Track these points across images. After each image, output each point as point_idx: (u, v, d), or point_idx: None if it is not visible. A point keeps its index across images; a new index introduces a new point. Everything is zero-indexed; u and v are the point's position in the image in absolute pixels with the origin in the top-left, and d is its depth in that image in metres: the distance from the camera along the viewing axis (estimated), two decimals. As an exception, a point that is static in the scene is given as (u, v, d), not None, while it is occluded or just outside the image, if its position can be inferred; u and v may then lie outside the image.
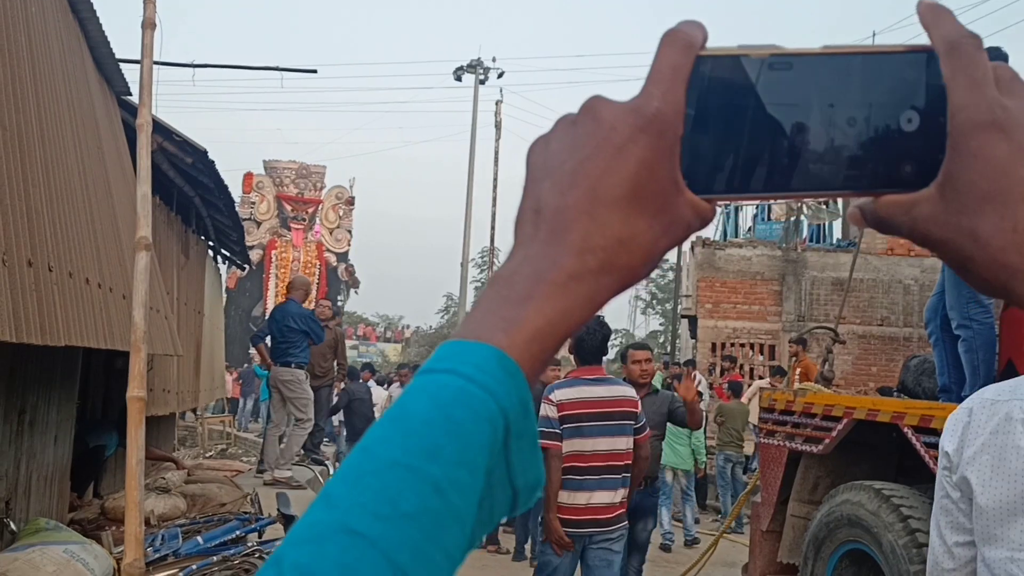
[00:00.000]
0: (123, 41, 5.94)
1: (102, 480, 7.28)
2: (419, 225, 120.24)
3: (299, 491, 7.61)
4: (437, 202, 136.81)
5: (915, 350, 13.09)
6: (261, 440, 10.87)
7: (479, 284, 35.89)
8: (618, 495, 4.18)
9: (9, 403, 4.69)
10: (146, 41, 4.14)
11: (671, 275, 32.75)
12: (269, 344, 8.98)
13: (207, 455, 12.22)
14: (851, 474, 4.45)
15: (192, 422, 14.50)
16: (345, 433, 12.56)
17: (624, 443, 4.19)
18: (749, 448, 9.88)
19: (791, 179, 0.42)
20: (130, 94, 6.53)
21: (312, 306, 10.15)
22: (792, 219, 16.87)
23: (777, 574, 4.91)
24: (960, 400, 2.27)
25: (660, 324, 47.09)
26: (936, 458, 1.48)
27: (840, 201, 16.66)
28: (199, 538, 5.22)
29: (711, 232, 17.15)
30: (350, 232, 31.05)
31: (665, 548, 8.20)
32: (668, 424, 5.53)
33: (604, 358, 4.47)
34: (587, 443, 4.08)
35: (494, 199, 26.66)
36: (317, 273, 28.74)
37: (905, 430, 3.88)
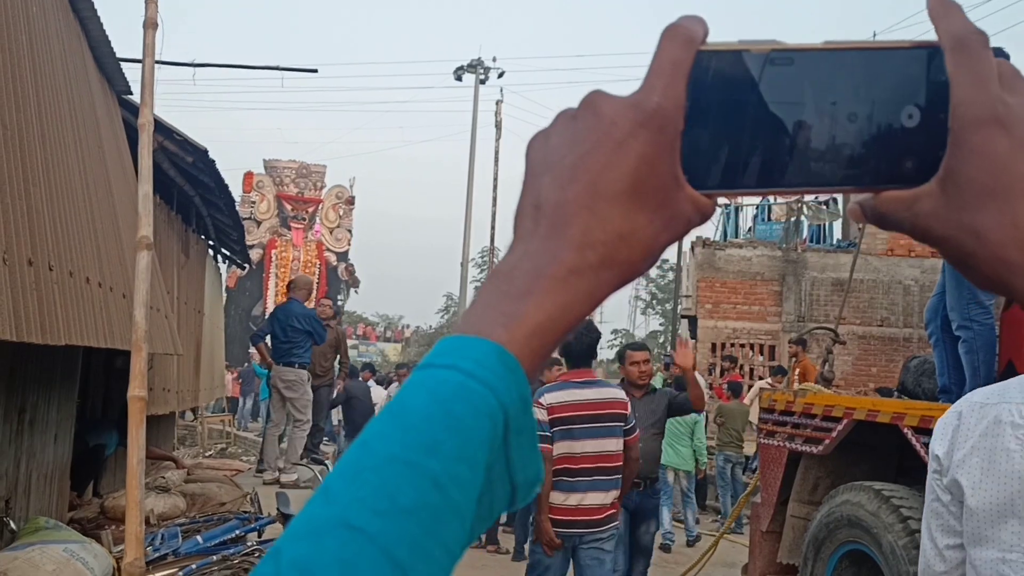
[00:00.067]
0: (124, 40, 5.94)
1: (102, 479, 7.28)
2: (419, 225, 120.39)
3: (300, 490, 7.61)
4: (437, 202, 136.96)
5: (915, 351, 13.09)
6: (261, 439, 10.87)
7: (479, 284, 35.71)
8: (609, 496, 4.22)
9: (9, 402, 4.69)
10: (148, 41, 4.14)
11: (671, 275, 32.74)
12: (269, 343, 8.97)
13: (207, 454, 12.22)
14: (851, 475, 4.45)
15: (191, 421, 14.50)
16: (344, 433, 12.58)
17: (614, 444, 4.22)
18: (749, 448, 9.87)
19: (791, 175, 0.42)
20: (131, 93, 6.53)
21: (312, 305, 10.14)
22: (792, 219, 16.87)
23: (777, 574, 4.91)
24: (960, 400, 2.27)
25: (660, 324, 47.09)
26: None
27: (840, 201, 16.67)
28: (199, 537, 5.22)
29: (711, 232, 17.17)
30: (350, 231, 31.06)
31: (665, 548, 8.19)
32: (669, 424, 5.50)
33: (603, 360, 4.47)
34: (577, 445, 4.11)
35: (494, 199, 26.67)
36: (317, 272, 28.74)
37: (905, 431, 3.88)
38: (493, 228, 27.01)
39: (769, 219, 17.52)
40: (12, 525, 4.60)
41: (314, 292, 12.29)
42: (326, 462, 9.40)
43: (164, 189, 7.85)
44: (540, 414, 4.08)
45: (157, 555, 4.78)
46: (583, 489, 4.12)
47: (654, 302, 47.68)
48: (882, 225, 0.44)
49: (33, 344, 3.48)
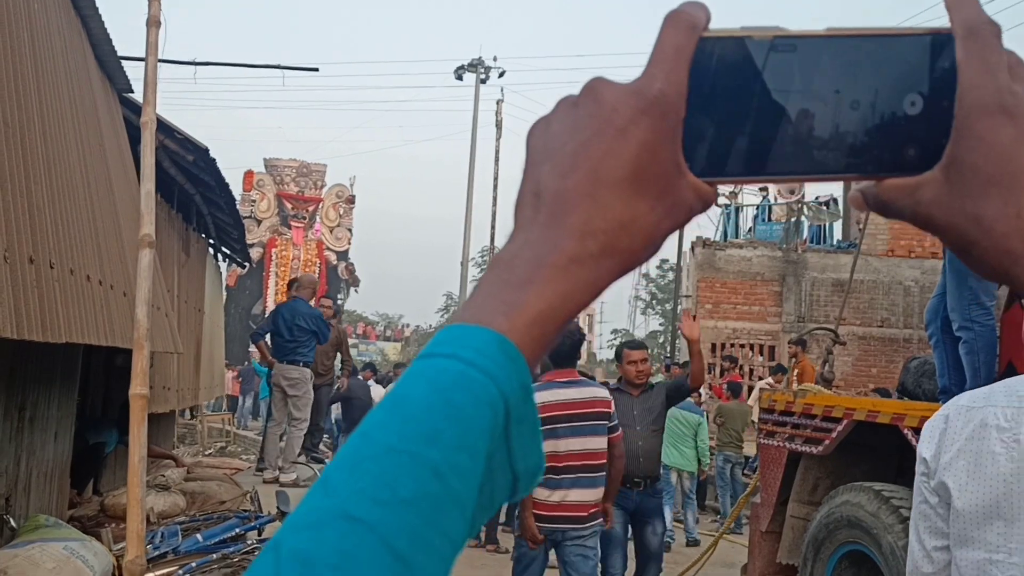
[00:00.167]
0: (124, 38, 5.94)
1: (102, 477, 7.28)
2: (419, 224, 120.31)
3: (299, 489, 7.61)
4: (437, 201, 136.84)
5: (915, 351, 13.10)
6: (260, 438, 10.87)
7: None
8: (593, 493, 4.26)
9: (9, 400, 4.69)
10: (151, 39, 4.15)
11: (671, 275, 32.73)
12: (269, 341, 8.95)
13: (206, 453, 12.22)
14: (851, 475, 4.45)
15: (189, 420, 14.50)
16: (342, 432, 12.58)
17: (597, 443, 4.27)
18: (748, 448, 9.86)
19: (793, 162, 0.42)
20: (131, 91, 6.53)
21: (313, 304, 10.14)
22: (793, 220, 16.88)
23: (776, 575, 4.91)
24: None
25: (660, 324, 47.01)
26: None
27: (840, 201, 16.65)
28: (199, 536, 5.23)
29: (711, 232, 17.17)
30: (350, 230, 31.05)
31: (665, 548, 8.18)
32: (673, 426, 5.46)
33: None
34: (561, 444, 4.15)
35: (495, 198, 26.66)
36: (317, 271, 28.72)
37: (905, 432, 3.88)
38: (493, 227, 27.01)
39: (769, 219, 17.51)
40: (12, 523, 4.60)
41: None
42: (325, 460, 9.40)
43: (165, 187, 7.85)
44: None
45: (157, 553, 4.79)
46: (566, 486, 4.18)
47: (654, 302, 47.62)
48: (884, 213, 0.44)
49: (34, 342, 3.48)
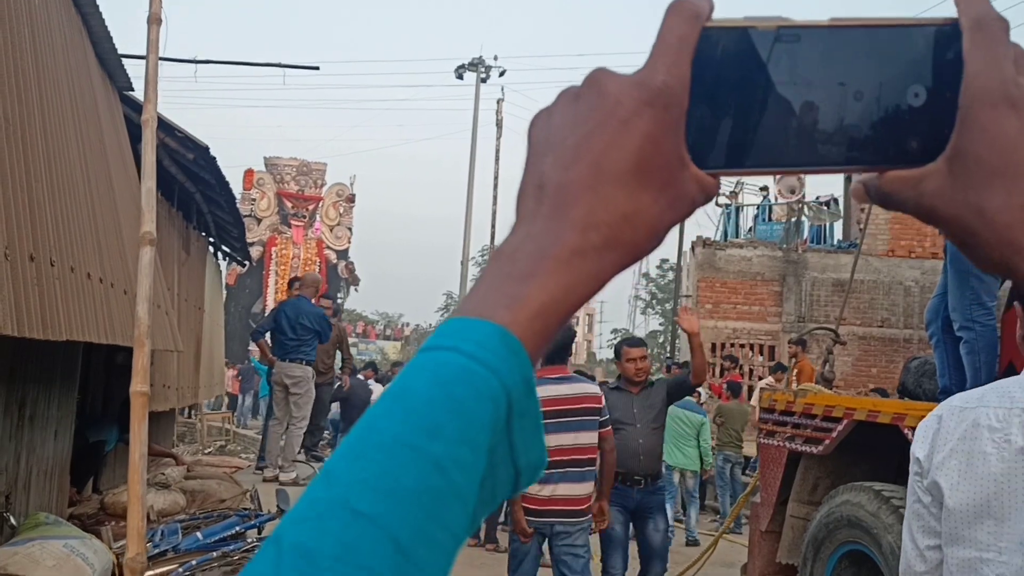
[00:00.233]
0: (125, 36, 5.94)
1: (102, 475, 7.28)
2: (419, 223, 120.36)
3: (299, 487, 7.61)
4: (437, 200, 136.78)
5: (915, 351, 13.10)
6: (260, 436, 10.87)
7: (480, 282, 35.68)
8: (582, 487, 4.31)
9: (9, 397, 4.69)
10: (151, 36, 4.15)
11: (671, 275, 32.72)
12: (270, 340, 8.95)
13: (206, 451, 12.22)
14: (851, 475, 4.44)
15: (188, 419, 14.50)
16: (342, 431, 12.60)
17: (587, 438, 4.33)
18: (748, 448, 9.87)
19: (796, 154, 0.42)
20: (132, 89, 6.53)
21: (314, 303, 10.15)
22: (793, 220, 16.88)
23: (776, 575, 4.91)
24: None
25: (660, 324, 47.01)
26: None
27: (841, 202, 16.66)
28: (199, 534, 5.23)
29: (712, 232, 17.17)
30: (350, 229, 31.03)
31: (666, 546, 8.19)
32: (676, 426, 5.45)
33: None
34: (552, 439, 4.18)
35: (495, 198, 26.66)
36: (317, 270, 28.72)
37: (905, 432, 3.88)
38: (494, 227, 27.01)
39: (770, 219, 17.50)
40: (12, 521, 4.61)
41: (315, 290, 12.30)
42: (325, 459, 9.40)
43: (165, 186, 7.85)
44: None
45: (157, 551, 4.79)
46: (555, 480, 4.22)
47: (654, 302, 47.63)
48: (887, 205, 0.43)
49: (34, 339, 3.48)
